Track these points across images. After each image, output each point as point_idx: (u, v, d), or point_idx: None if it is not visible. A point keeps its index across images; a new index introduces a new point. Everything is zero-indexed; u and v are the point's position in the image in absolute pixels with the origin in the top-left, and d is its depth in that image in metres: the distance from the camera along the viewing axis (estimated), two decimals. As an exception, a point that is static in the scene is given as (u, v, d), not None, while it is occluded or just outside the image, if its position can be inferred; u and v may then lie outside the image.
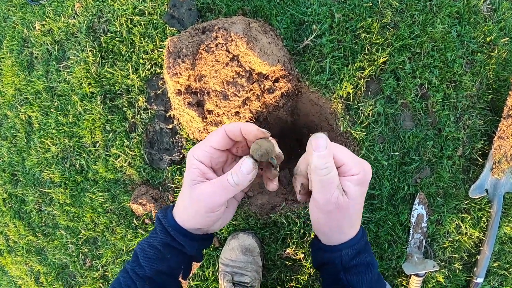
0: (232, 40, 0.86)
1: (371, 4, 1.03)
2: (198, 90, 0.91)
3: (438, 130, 1.06)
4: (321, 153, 0.41)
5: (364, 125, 1.00)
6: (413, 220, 1.04)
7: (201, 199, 0.45)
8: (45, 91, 1.32)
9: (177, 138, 1.05)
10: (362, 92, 1.01)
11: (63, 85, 1.27)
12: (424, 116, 1.05)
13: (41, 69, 1.34)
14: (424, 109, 1.05)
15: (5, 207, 1.44)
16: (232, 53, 0.87)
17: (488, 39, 1.10)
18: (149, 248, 0.49)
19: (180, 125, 1.05)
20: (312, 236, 1.04)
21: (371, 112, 1.01)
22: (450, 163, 1.05)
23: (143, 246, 0.51)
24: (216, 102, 0.90)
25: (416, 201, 1.03)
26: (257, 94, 0.94)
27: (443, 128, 1.06)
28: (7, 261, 1.52)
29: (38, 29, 1.42)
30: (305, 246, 1.00)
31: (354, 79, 1.00)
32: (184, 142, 1.05)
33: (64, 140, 1.27)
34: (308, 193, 0.49)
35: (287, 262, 1.03)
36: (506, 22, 1.14)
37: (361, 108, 1.00)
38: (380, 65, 1.02)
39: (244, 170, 0.43)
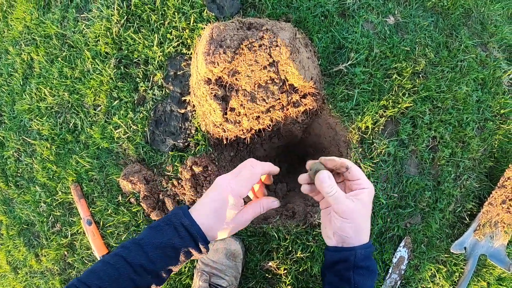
0: (277, 46, 0.84)
1: (408, 49, 1.05)
2: (227, 85, 0.88)
3: (437, 183, 1.10)
4: (326, 184, 0.58)
5: (374, 161, 1.02)
6: (394, 260, 1.06)
7: (241, 222, 0.61)
8: (56, 38, 1.24)
9: (186, 124, 1.02)
10: (379, 130, 1.02)
11: (78, 36, 1.19)
12: (428, 167, 1.08)
13: (58, 13, 1.25)
14: (430, 160, 1.08)
15: (-21, 145, 1.34)
16: (273, 58, 0.85)
17: (502, 111, 1.15)
18: (171, 249, 0.57)
19: (193, 113, 1.02)
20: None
21: (383, 150, 1.02)
22: (440, 216, 1.09)
23: (161, 245, 0.57)
24: (242, 101, 0.88)
25: (402, 244, 1.06)
26: (282, 105, 0.93)
27: (442, 182, 1.09)
28: (-34, 202, 1.41)
29: (65, -30, 1.32)
30: (288, 262, 1.00)
31: (375, 115, 1.01)
32: (193, 131, 1.01)
33: (64, 94, 1.19)
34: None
35: (266, 275, 1.02)
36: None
37: (374, 144, 1.02)
38: (402, 109, 1.04)
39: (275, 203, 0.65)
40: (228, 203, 0.58)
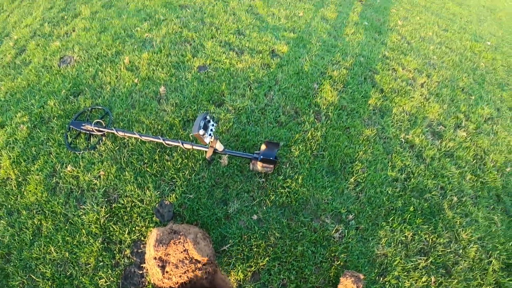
0: (186, 242, 1.74)
1: (264, 232, 2.02)
2: (164, 260, 1.74)
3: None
4: None
5: (243, 297, 1.90)
6: None
7: None
8: (61, 215, 2.04)
9: (143, 279, 1.84)
10: (248, 278, 1.93)
11: (77, 219, 2.01)
12: (277, 294, 1.99)
13: (62, 198, 2.07)
14: (278, 290, 1.99)
15: (-2, 286, 2.00)
16: (185, 247, 1.74)
17: (333, 254, 2.10)
18: None
19: (147, 272, 1.85)
20: None
21: (249, 290, 1.91)
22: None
23: None
24: (171, 268, 1.74)
25: None
26: (192, 269, 1.80)
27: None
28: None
29: (69, 171, 2.17)
30: None
31: (245, 271, 1.91)
32: (146, 283, 1.84)
33: (65, 253, 1.96)
34: None
35: None
36: (350, 244, 2.17)
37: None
38: (261, 266, 1.96)
39: None
40: None
